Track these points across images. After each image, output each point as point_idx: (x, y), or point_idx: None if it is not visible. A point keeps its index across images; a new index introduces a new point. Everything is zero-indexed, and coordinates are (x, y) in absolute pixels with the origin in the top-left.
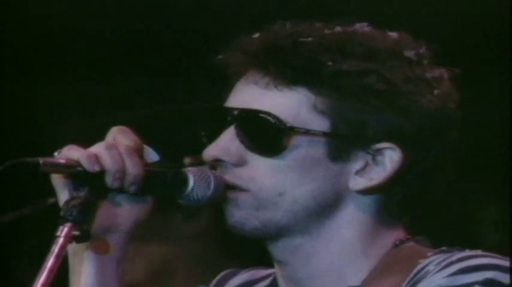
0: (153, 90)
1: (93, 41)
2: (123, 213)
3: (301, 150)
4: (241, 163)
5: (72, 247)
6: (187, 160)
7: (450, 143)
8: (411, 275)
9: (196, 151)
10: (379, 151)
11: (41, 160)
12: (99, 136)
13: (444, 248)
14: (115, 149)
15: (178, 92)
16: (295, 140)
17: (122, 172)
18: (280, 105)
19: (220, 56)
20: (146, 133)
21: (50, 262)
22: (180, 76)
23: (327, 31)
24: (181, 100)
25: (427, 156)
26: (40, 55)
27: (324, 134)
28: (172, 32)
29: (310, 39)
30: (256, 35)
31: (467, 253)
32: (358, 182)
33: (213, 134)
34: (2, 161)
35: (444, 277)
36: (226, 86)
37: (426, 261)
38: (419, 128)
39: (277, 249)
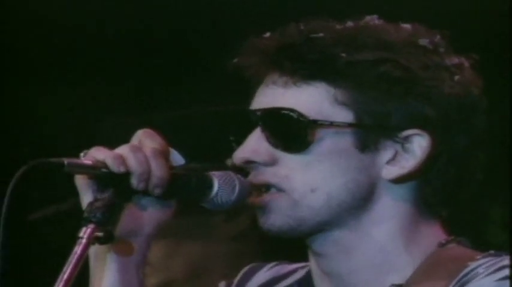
0: (154, 90)
1: (95, 41)
2: (147, 216)
3: (327, 143)
4: (271, 162)
5: (94, 250)
6: (229, 161)
7: (479, 129)
8: (459, 277)
9: (221, 152)
10: (407, 139)
11: (65, 161)
12: (125, 138)
13: (492, 251)
14: (140, 152)
15: (180, 94)
16: (320, 133)
17: (147, 174)
18: (302, 101)
19: (235, 60)
20: (171, 135)
21: (72, 263)
22: (182, 77)
23: (338, 26)
24: (183, 102)
25: (457, 141)
26: (41, 55)
27: (348, 125)
28: (174, 33)
29: (321, 34)
30: (268, 35)
31: None
32: (391, 171)
33: (241, 138)
34: (3, 161)
35: (494, 281)
36: (228, 86)
37: (475, 264)
38: (443, 113)
39: (316, 242)
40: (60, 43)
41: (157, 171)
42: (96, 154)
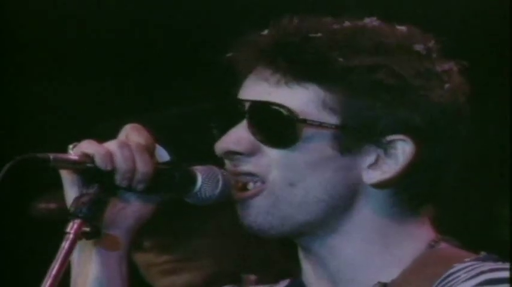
0: (157, 89)
1: (96, 40)
2: (130, 210)
3: (311, 142)
4: (253, 152)
5: (78, 243)
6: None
7: (461, 136)
8: (441, 278)
9: (210, 150)
10: (390, 143)
11: (51, 156)
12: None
13: (483, 253)
14: (127, 148)
15: (179, 92)
16: (306, 132)
17: (132, 172)
18: (290, 102)
19: (229, 54)
20: (164, 133)
21: (59, 259)
22: (181, 77)
23: (336, 26)
24: (182, 100)
25: (439, 148)
26: (41, 54)
27: (335, 127)
28: (174, 32)
29: (319, 34)
30: (265, 32)
31: (499, 265)
32: (372, 176)
33: (225, 128)
34: (3, 159)
35: None
36: (229, 83)
37: (461, 266)
38: (430, 121)
39: (303, 242)
40: (60, 42)
41: (142, 167)
42: (86, 148)
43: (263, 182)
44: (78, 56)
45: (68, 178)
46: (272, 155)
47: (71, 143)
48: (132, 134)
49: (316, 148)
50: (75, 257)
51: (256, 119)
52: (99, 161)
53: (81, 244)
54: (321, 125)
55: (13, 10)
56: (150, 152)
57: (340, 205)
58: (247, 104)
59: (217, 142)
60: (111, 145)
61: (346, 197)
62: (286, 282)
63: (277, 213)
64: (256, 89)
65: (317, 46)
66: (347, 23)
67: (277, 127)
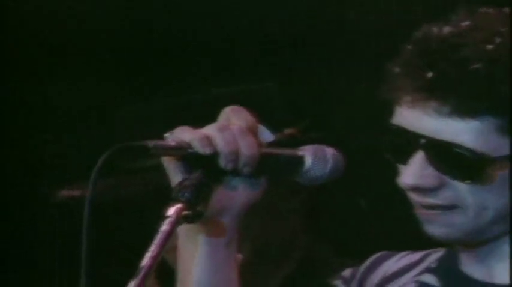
0: (159, 88)
1: (98, 39)
2: (237, 195)
3: (499, 173)
4: (440, 186)
5: (184, 231)
6: (287, 131)
7: None
8: None
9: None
10: None
11: (151, 143)
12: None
13: None
14: (228, 130)
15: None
16: (488, 164)
17: (236, 154)
18: (468, 135)
19: (385, 87)
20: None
21: (159, 241)
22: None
23: (489, 46)
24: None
25: None
26: (46, 53)
27: None
28: (177, 32)
29: (479, 65)
30: (411, 48)
31: None
32: None
33: (398, 155)
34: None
35: None
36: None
37: None
38: None
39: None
40: (60, 41)
41: (246, 150)
42: (182, 135)
43: (454, 207)
44: (78, 55)
45: (171, 166)
46: (460, 186)
47: (73, 140)
48: (232, 116)
49: (505, 176)
50: (182, 244)
51: (436, 156)
52: (197, 146)
53: (188, 234)
54: (505, 158)
55: (20, 8)
56: (253, 133)
57: None
58: (422, 139)
59: (403, 177)
60: (210, 129)
61: None
62: (439, 253)
63: (464, 229)
64: (429, 121)
65: (480, 78)
66: (498, 39)
67: (461, 166)
